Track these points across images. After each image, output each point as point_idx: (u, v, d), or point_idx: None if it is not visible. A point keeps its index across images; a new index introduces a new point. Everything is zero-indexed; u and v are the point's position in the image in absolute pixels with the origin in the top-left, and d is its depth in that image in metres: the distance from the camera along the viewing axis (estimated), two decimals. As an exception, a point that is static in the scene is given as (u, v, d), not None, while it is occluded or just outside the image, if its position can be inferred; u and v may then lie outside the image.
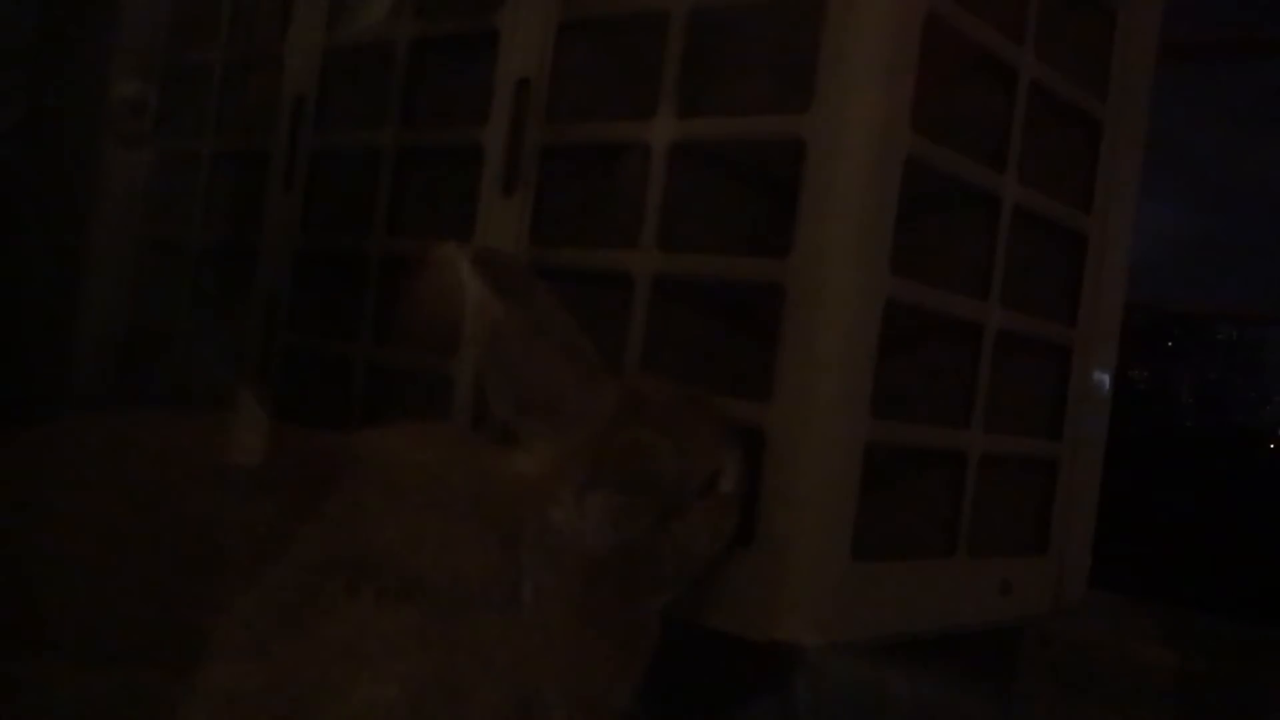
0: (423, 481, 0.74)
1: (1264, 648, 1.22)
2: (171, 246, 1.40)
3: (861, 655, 0.99)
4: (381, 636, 0.67)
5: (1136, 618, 1.21)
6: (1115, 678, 1.11)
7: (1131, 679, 1.11)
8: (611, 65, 1.01)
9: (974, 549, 1.00)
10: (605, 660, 0.75)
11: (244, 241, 1.28)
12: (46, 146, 1.53)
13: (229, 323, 1.29)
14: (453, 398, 1.02)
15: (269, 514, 0.68)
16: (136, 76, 1.44)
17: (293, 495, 0.70)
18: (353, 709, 0.66)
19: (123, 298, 1.44)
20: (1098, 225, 1.12)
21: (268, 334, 1.24)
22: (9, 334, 1.40)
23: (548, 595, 0.72)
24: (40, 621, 0.63)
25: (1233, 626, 1.26)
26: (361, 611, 0.67)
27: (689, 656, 0.97)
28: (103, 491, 0.68)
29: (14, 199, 1.51)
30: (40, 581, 0.65)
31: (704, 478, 0.79)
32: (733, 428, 0.82)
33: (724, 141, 0.93)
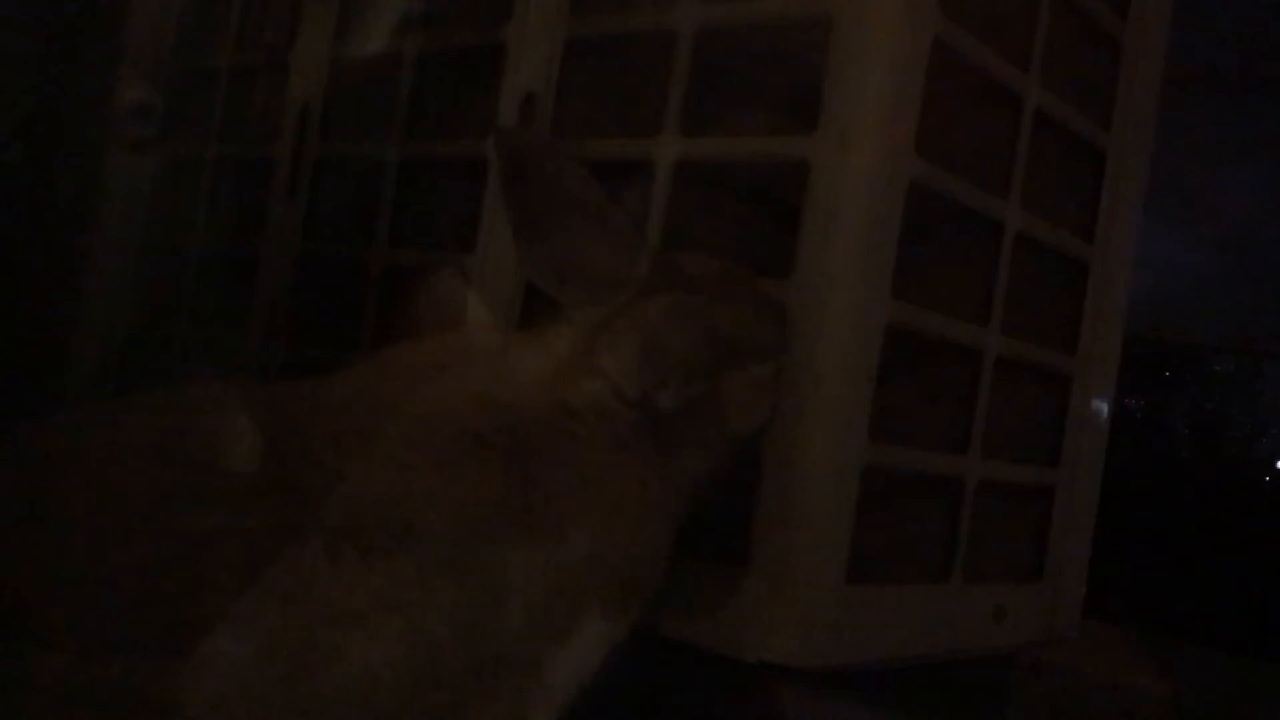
0: (406, 422, 0.72)
1: (1257, 680, 1.22)
2: (174, 252, 1.40)
3: (852, 680, 0.98)
4: (373, 593, 0.65)
5: (1129, 648, 1.20)
6: (1107, 708, 1.11)
7: (1123, 710, 1.10)
8: (618, 82, 1.02)
9: (969, 575, 1.00)
10: (635, 534, 0.73)
11: (246, 248, 1.28)
12: (51, 151, 1.53)
13: (229, 330, 1.29)
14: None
15: (251, 495, 0.68)
16: (142, 82, 1.45)
17: (272, 471, 0.69)
18: (351, 671, 0.64)
19: (124, 303, 1.44)
20: (1099, 254, 1.12)
21: (267, 342, 1.24)
22: (10, 337, 1.40)
23: (569, 483, 0.70)
24: (31, 615, 0.63)
25: (1226, 658, 1.26)
26: (346, 572, 0.65)
27: (678, 677, 0.96)
28: (93, 485, 0.67)
29: (18, 203, 1.51)
30: (31, 575, 0.64)
31: (746, 350, 0.78)
32: (775, 303, 0.81)
33: (729, 162, 0.94)
